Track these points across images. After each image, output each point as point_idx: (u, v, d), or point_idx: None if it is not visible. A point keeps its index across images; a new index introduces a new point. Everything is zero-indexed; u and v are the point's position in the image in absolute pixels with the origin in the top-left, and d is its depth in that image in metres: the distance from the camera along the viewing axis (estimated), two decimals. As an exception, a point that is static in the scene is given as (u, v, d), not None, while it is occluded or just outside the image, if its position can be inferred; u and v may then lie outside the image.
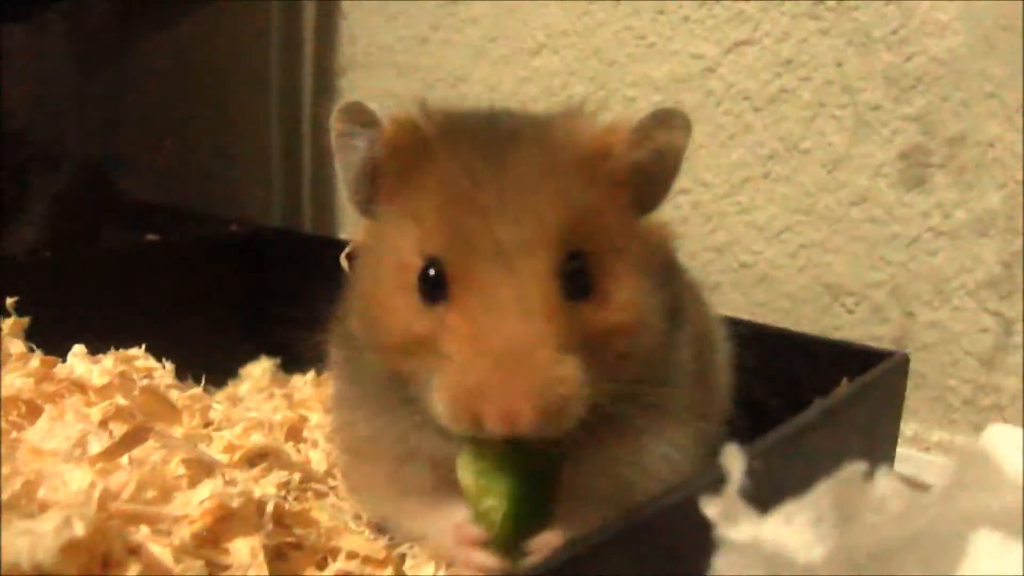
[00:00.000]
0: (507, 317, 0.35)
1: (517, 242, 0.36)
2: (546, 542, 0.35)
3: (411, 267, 0.38)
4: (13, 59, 0.82)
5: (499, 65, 0.77)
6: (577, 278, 0.37)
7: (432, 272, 0.37)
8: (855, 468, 0.35)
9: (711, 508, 0.35)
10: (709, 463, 0.39)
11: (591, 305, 0.37)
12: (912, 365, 0.56)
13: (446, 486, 0.40)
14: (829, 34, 0.63)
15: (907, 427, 0.62)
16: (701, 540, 0.36)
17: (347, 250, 0.51)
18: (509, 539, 0.37)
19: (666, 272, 0.43)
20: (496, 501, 0.36)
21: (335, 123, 0.41)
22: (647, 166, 0.40)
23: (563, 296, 0.36)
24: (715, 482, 0.37)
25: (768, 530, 0.34)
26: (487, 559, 0.36)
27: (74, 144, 0.86)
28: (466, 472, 0.38)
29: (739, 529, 0.34)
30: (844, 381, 0.49)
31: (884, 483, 0.36)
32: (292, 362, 0.75)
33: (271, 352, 0.77)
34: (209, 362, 0.67)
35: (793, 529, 0.34)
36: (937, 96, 0.61)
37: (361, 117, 0.41)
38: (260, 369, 0.76)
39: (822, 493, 0.35)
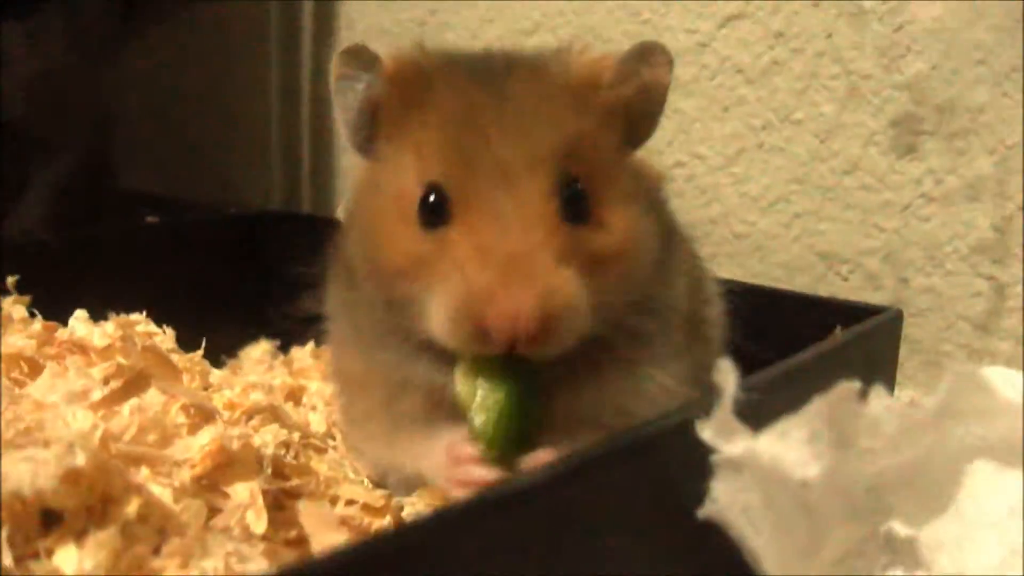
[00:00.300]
0: (509, 230, 0.36)
1: (517, 161, 0.37)
2: (539, 459, 0.36)
3: (411, 196, 0.39)
4: (13, 48, 0.84)
5: (496, 45, 0.78)
6: (574, 202, 0.38)
7: (432, 198, 0.38)
8: (849, 386, 0.36)
9: (706, 431, 0.36)
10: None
11: (588, 229, 0.38)
12: (906, 330, 0.56)
13: (441, 416, 0.41)
14: (820, 6, 0.64)
15: (902, 393, 0.63)
16: (697, 466, 0.37)
17: (345, 200, 0.51)
18: (504, 454, 0.37)
19: (656, 207, 0.44)
20: (492, 415, 0.37)
21: (336, 66, 0.42)
22: (634, 99, 0.42)
23: (563, 219, 0.37)
24: (710, 407, 0.37)
25: (763, 445, 0.34)
26: (483, 472, 0.36)
27: (73, 132, 0.87)
28: (463, 386, 0.38)
29: (734, 444, 0.34)
30: (838, 329, 0.50)
31: (877, 403, 0.36)
32: (292, 344, 0.75)
33: (270, 335, 0.77)
34: (208, 345, 0.67)
35: (788, 445, 0.35)
36: (927, 64, 0.62)
37: (363, 58, 0.42)
38: (259, 351, 0.76)
39: (816, 410, 0.36)
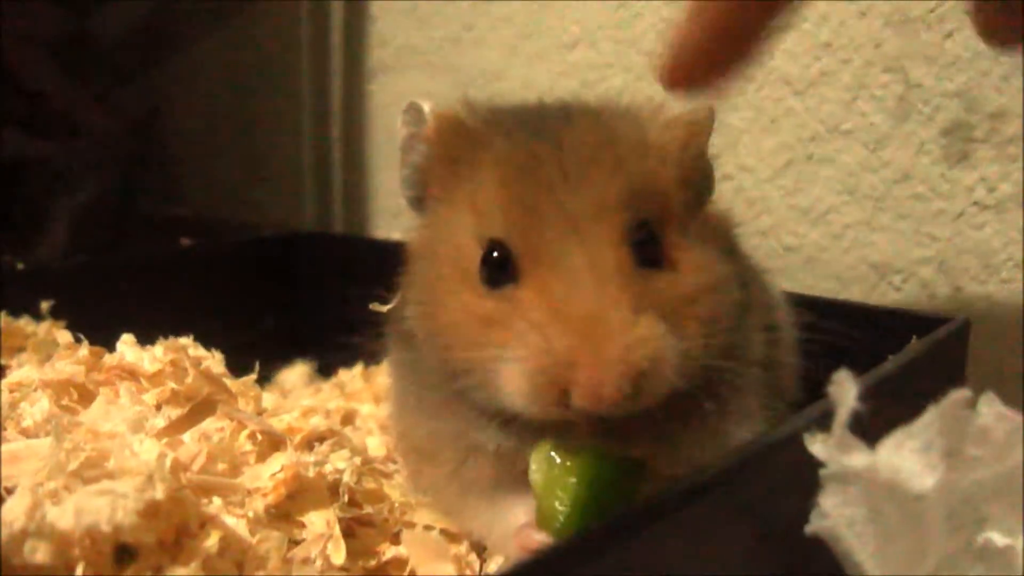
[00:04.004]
0: (583, 285, 0.34)
1: (584, 210, 0.35)
2: None
3: (470, 254, 0.37)
4: (39, 69, 0.83)
5: (534, 61, 0.78)
6: (646, 245, 0.36)
7: (496, 254, 0.37)
8: (960, 394, 0.35)
9: (817, 445, 0.34)
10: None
11: (663, 273, 0.36)
12: (964, 339, 0.55)
13: (509, 482, 0.39)
14: (867, 16, 0.64)
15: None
16: (799, 480, 0.36)
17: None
18: None
19: (731, 252, 0.42)
20: (563, 505, 0.35)
21: (402, 126, 0.42)
22: (699, 157, 0.41)
23: (636, 264, 0.35)
24: (814, 421, 0.36)
25: (883, 457, 0.33)
26: None
27: (99, 156, 0.86)
28: (537, 469, 0.36)
29: (853, 458, 0.33)
30: (914, 339, 0.49)
31: (988, 411, 0.36)
32: (328, 367, 0.74)
33: (306, 356, 0.76)
34: (244, 367, 0.66)
35: (904, 457, 0.34)
36: (977, 72, 0.62)
37: (413, 116, 0.41)
38: (296, 374, 0.75)
39: (929, 420, 0.35)
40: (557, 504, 0.35)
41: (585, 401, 0.32)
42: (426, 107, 0.41)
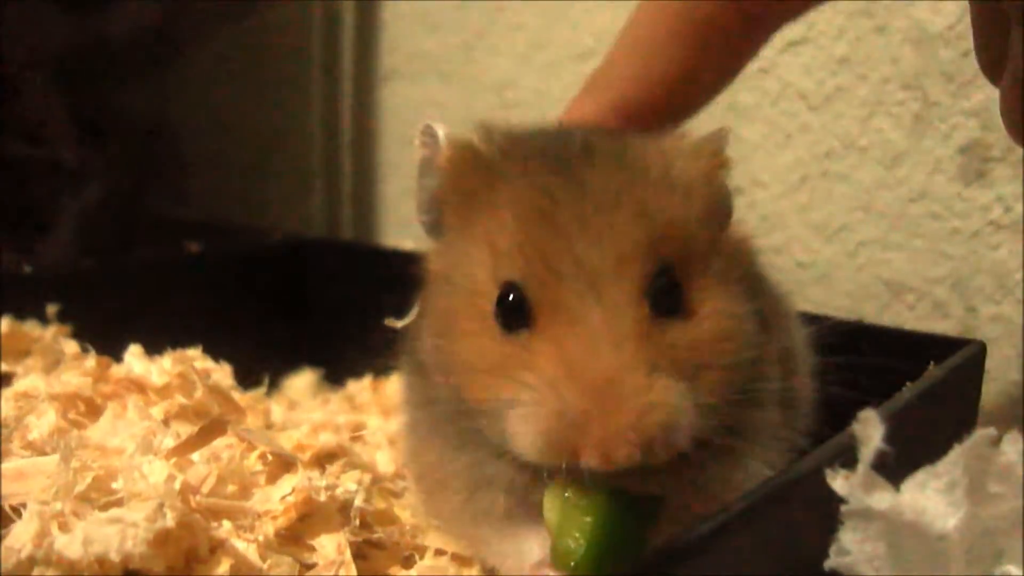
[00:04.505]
0: (599, 342, 0.33)
1: (603, 263, 0.34)
2: None
3: (486, 293, 0.36)
4: (46, 72, 0.82)
5: (547, 71, 0.77)
6: (667, 295, 0.35)
7: (511, 298, 0.35)
8: (985, 434, 0.34)
9: (838, 481, 0.34)
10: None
11: (684, 321, 0.35)
12: (977, 359, 0.55)
13: (523, 513, 0.39)
14: (885, 31, 0.63)
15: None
16: (819, 515, 0.35)
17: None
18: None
19: (753, 284, 0.41)
20: (577, 542, 0.34)
21: (420, 146, 0.41)
22: (720, 181, 0.40)
23: (655, 316, 0.34)
24: (835, 456, 0.36)
25: (907, 497, 0.33)
26: None
27: (106, 159, 0.85)
28: (551, 507, 0.35)
29: (877, 498, 0.32)
30: (931, 365, 0.48)
31: (1011, 449, 0.35)
32: (335, 374, 0.73)
33: (314, 363, 0.75)
34: (251, 373, 0.65)
35: (928, 497, 0.33)
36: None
37: (428, 139, 0.40)
38: (303, 381, 0.74)
39: (954, 460, 0.34)
40: (572, 543, 0.34)
41: (595, 462, 0.32)
42: (441, 132, 0.40)
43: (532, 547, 0.38)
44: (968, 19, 0.61)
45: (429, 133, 0.40)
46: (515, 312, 0.35)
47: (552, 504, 0.35)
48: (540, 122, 0.45)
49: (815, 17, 0.66)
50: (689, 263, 0.37)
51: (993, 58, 0.42)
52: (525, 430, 0.33)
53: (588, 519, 0.34)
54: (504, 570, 0.40)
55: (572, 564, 0.34)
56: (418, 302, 0.44)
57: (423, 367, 0.41)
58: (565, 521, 0.34)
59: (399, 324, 0.46)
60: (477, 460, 0.39)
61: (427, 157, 0.41)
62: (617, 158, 0.38)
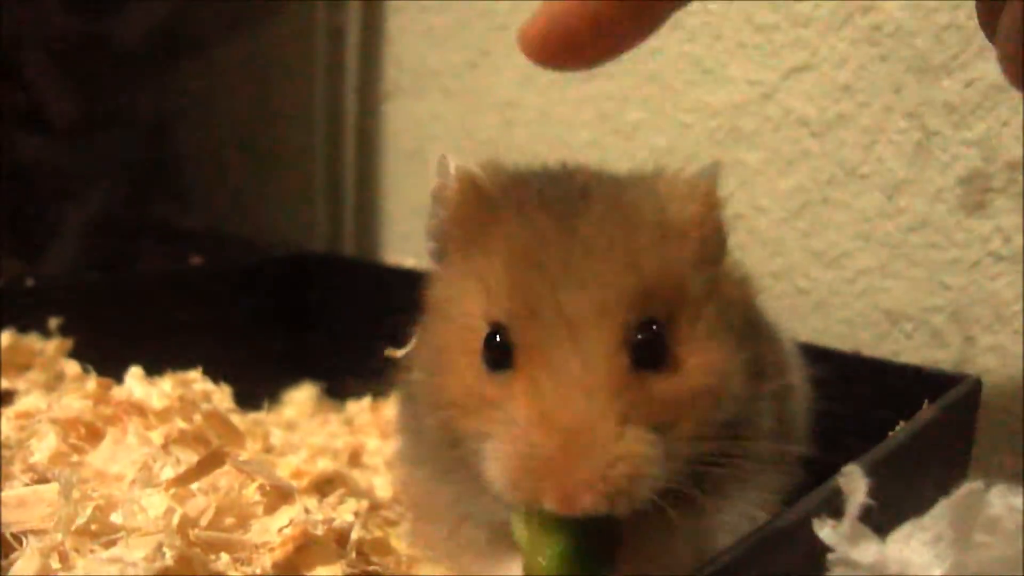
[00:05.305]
0: (572, 392, 0.34)
1: (584, 310, 0.35)
2: None
3: (476, 331, 0.37)
4: (51, 80, 0.82)
5: (550, 90, 0.77)
6: (649, 347, 0.36)
7: (497, 339, 0.36)
8: (973, 487, 0.35)
9: (825, 530, 0.35)
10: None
11: (666, 375, 0.36)
12: (973, 391, 0.55)
13: (503, 545, 0.40)
14: (888, 60, 0.63)
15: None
16: (806, 564, 0.36)
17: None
18: None
19: (749, 329, 0.41)
20: (549, 561, 0.35)
21: (437, 176, 0.41)
22: (715, 221, 0.40)
23: (633, 368, 0.35)
24: (822, 505, 0.36)
25: (892, 550, 0.33)
26: None
27: (109, 169, 0.86)
28: (520, 529, 0.37)
29: (862, 550, 0.33)
30: (926, 404, 0.49)
31: (999, 503, 0.36)
32: (336, 388, 0.74)
33: (314, 378, 0.76)
34: (252, 387, 0.66)
35: (914, 550, 0.34)
36: (997, 121, 0.61)
37: (445, 172, 0.41)
38: (304, 395, 0.75)
39: (941, 513, 0.35)
40: (541, 560, 0.36)
41: (556, 507, 0.33)
42: (452, 165, 0.41)
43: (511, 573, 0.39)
44: (970, 50, 0.62)
45: (443, 164, 0.41)
46: (500, 352, 0.36)
47: (520, 525, 0.37)
48: (548, 161, 0.45)
49: (818, 44, 0.66)
50: (680, 311, 0.37)
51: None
52: (495, 467, 0.35)
53: (553, 538, 0.35)
54: None
55: None
56: (416, 330, 0.45)
57: (414, 396, 0.42)
58: (533, 540, 0.36)
59: (398, 353, 0.46)
60: (460, 493, 0.40)
61: (439, 187, 0.41)
62: (612, 204, 0.38)
